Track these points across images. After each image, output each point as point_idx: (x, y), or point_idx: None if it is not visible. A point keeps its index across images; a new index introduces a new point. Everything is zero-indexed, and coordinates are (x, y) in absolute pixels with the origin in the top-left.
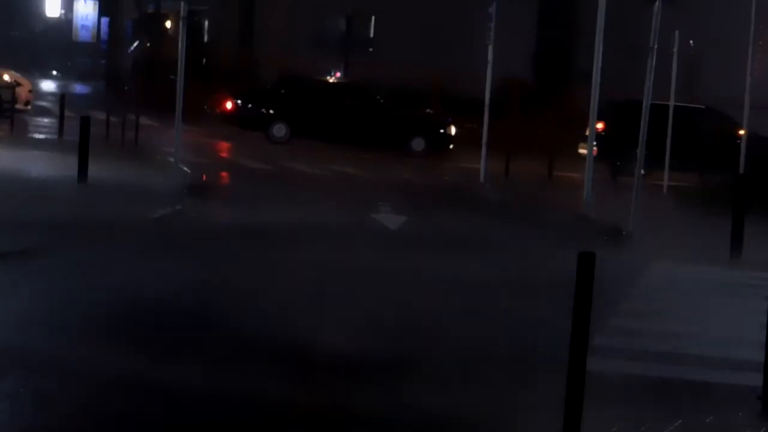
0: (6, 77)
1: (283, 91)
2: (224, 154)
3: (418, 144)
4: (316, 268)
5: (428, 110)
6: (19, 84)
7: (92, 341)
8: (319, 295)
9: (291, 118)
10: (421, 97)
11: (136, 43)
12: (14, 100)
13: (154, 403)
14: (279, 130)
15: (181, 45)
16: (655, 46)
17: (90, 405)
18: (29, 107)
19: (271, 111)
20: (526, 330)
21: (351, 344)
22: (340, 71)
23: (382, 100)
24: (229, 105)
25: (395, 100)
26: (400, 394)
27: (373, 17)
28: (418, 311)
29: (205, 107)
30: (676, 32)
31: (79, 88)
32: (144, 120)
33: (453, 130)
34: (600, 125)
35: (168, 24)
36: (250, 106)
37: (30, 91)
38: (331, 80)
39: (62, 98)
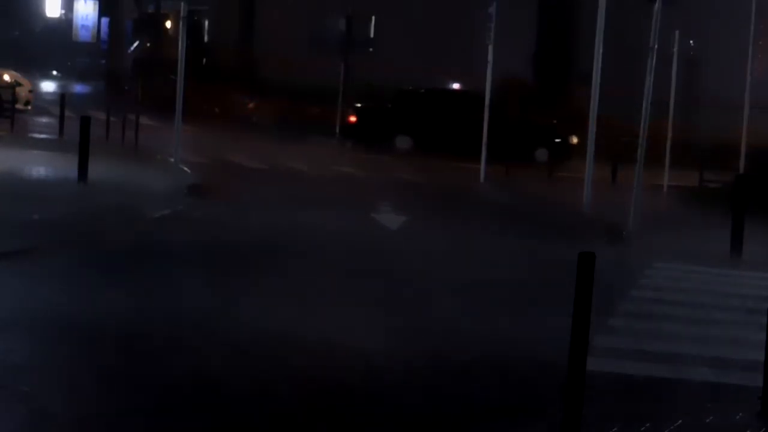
0: (6, 77)
1: (405, 102)
2: (231, 155)
3: (541, 154)
4: (316, 268)
5: (553, 120)
6: (19, 84)
7: (91, 342)
8: (319, 294)
9: (414, 130)
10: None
11: (136, 43)
12: (14, 100)
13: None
14: (402, 142)
15: (181, 45)
16: (655, 46)
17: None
18: (30, 107)
19: (394, 123)
20: (525, 330)
21: (357, 343)
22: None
23: (507, 111)
24: (352, 118)
25: (518, 110)
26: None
27: (373, 17)
28: (418, 310)
29: (216, 109)
30: (676, 32)
31: (79, 88)
32: (144, 120)
33: (575, 140)
34: None
35: (168, 24)
36: (372, 118)
37: (30, 91)
38: (453, 90)
39: (62, 98)
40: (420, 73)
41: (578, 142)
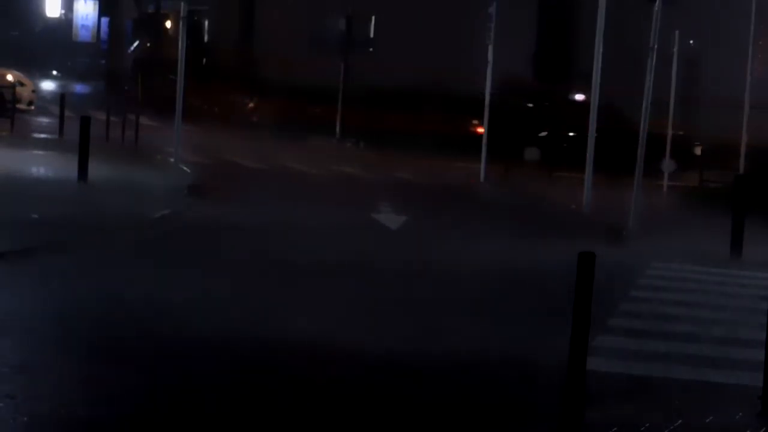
0: (9, 77)
1: (534, 113)
2: (231, 155)
3: (669, 165)
4: (316, 268)
5: (680, 132)
6: (22, 84)
7: (90, 342)
8: (319, 292)
9: (543, 142)
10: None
11: (136, 43)
12: (14, 99)
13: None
14: (531, 154)
15: (181, 45)
16: (655, 46)
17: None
18: (33, 107)
19: (524, 135)
20: (525, 330)
21: (354, 344)
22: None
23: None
24: (480, 129)
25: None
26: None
27: (373, 17)
28: (418, 309)
29: (216, 109)
30: (676, 32)
31: (79, 88)
32: (144, 120)
33: (699, 151)
34: None
35: (168, 24)
36: (502, 130)
37: (33, 91)
38: (578, 101)
39: (62, 98)
40: (420, 73)
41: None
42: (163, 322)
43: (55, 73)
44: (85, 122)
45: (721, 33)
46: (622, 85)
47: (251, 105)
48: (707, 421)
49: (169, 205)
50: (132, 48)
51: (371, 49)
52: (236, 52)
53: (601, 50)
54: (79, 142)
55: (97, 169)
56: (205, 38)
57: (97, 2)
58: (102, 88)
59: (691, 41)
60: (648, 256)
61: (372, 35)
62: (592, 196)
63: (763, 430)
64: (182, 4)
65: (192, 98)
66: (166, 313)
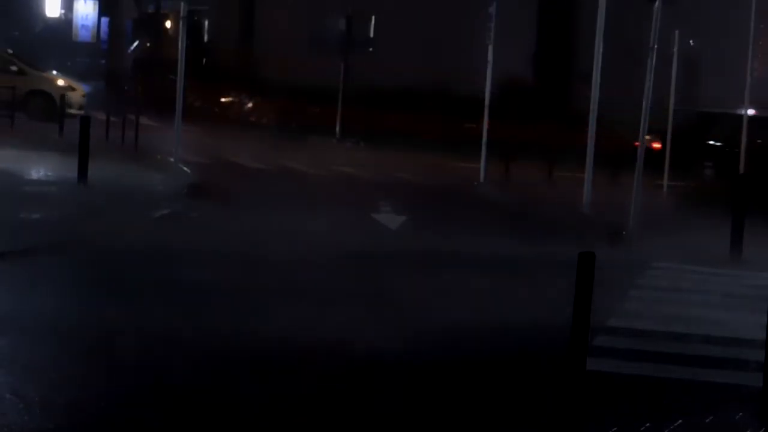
0: (60, 82)
1: (707, 126)
2: (231, 155)
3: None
4: (314, 269)
5: None
6: (73, 89)
7: (88, 343)
8: (319, 291)
9: (715, 157)
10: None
11: (136, 43)
12: (64, 104)
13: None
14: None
15: (181, 45)
16: (655, 46)
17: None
18: (82, 111)
19: (698, 149)
20: (526, 330)
21: (351, 342)
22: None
23: None
24: (656, 144)
25: None
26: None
27: (373, 17)
28: (418, 307)
29: (216, 109)
30: (676, 32)
31: None
32: (144, 120)
33: None
34: None
35: (168, 24)
36: (680, 144)
37: (83, 96)
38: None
39: (62, 98)
40: (420, 73)
41: None
42: (163, 321)
43: (55, 73)
44: (84, 122)
45: (721, 33)
46: (622, 85)
47: (250, 105)
48: (707, 421)
49: (169, 205)
50: (132, 48)
51: (371, 49)
52: (236, 52)
53: (601, 50)
54: (79, 142)
55: (97, 169)
56: (205, 38)
57: (97, 2)
58: (102, 88)
59: (691, 41)
60: (648, 256)
61: (372, 35)
62: (592, 196)
63: (763, 430)
64: (182, 4)
65: (192, 98)
66: (166, 313)
